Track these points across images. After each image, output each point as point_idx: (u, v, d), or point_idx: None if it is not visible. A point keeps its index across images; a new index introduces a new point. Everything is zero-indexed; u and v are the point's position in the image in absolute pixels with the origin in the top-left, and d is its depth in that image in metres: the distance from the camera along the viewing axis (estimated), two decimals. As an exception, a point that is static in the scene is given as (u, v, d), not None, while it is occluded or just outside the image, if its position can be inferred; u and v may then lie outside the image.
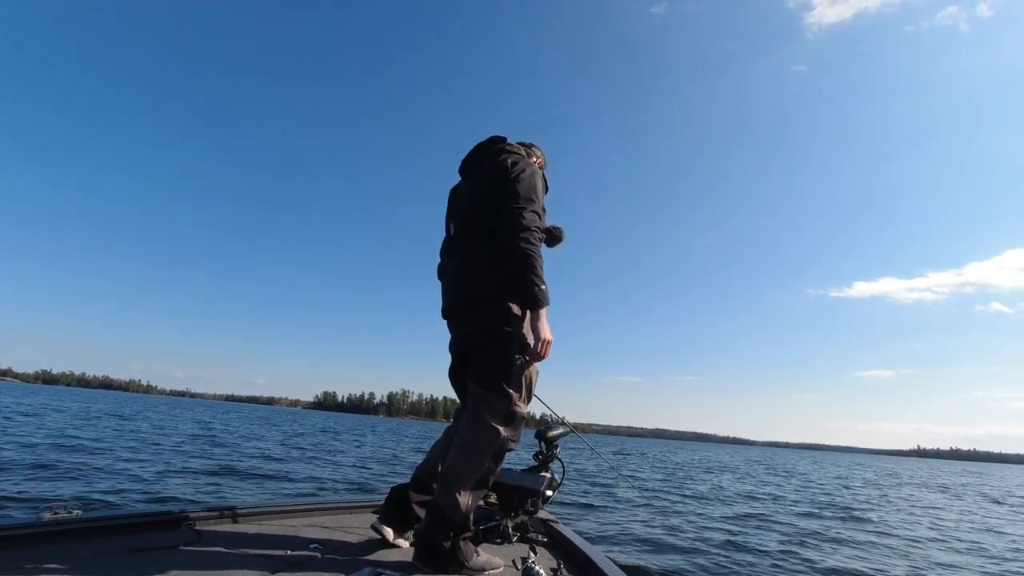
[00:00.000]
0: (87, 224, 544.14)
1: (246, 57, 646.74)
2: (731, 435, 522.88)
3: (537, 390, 1.90)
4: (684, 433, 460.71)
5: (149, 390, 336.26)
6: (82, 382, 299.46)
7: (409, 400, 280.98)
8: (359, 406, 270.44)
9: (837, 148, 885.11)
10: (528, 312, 1.72)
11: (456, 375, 1.96)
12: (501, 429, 1.65)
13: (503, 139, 1.94)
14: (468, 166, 1.96)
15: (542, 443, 2.53)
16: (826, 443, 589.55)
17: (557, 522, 2.29)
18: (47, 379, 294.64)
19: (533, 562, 1.64)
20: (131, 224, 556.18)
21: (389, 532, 1.81)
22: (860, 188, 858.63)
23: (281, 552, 1.65)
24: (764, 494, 10.95)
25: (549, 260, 1.81)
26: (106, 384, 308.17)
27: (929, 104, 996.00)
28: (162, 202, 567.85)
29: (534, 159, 2.05)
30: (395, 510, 1.85)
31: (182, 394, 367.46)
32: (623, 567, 1.72)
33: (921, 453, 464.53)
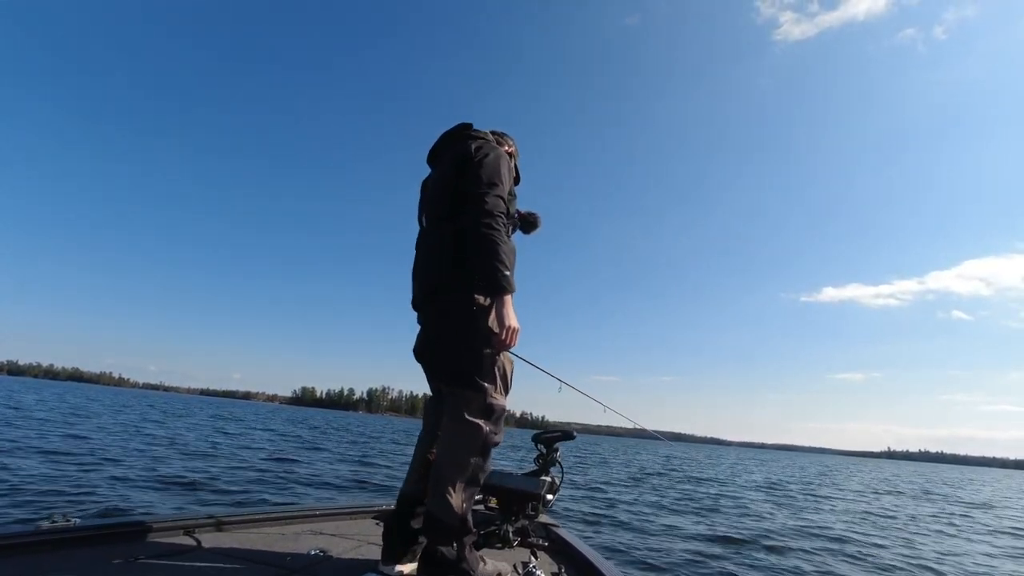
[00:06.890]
0: (66, 215, 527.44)
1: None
2: (708, 435, 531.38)
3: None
4: (662, 433, 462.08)
5: (121, 383, 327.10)
6: (50, 374, 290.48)
7: (389, 397, 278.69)
8: (338, 402, 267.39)
9: (804, 160, 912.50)
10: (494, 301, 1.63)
11: (425, 364, 1.82)
12: (482, 423, 1.58)
13: (469, 125, 1.87)
14: (436, 154, 1.91)
15: (541, 446, 2.50)
16: (799, 444, 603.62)
17: (558, 526, 2.26)
18: (13, 370, 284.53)
19: (534, 567, 1.62)
20: (110, 217, 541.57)
21: (403, 570, 1.63)
22: (827, 198, 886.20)
23: (281, 559, 1.63)
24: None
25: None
26: (75, 377, 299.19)
27: (891, 118, 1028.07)
28: (145, 199, 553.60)
29: (505, 147, 1.96)
30: (396, 540, 1.67)
31: (155, 388, 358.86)
32: (626, 571, 1.65)
33: (891, 455, 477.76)
